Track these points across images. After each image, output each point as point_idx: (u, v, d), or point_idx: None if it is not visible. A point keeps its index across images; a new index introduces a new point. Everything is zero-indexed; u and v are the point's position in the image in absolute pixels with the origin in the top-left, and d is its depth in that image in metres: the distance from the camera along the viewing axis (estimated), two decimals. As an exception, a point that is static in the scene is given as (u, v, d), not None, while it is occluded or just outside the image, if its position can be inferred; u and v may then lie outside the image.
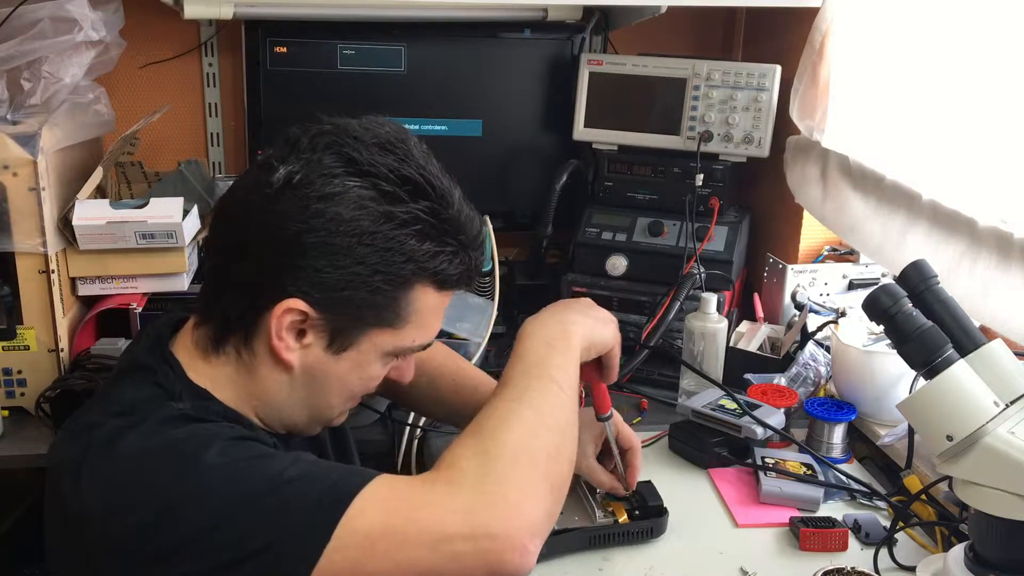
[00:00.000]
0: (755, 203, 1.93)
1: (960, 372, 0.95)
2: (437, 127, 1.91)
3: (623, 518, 1.17)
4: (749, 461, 1.34)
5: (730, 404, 1.39)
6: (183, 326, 0.98)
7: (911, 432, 1.28)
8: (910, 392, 1.25)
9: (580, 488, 1.23)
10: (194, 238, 1.61)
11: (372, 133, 0.89)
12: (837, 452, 1.39)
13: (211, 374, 0.92)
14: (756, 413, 1.36)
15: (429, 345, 0.98)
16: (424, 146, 0.92)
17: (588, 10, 1.88)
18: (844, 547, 1.16)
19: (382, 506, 0.79)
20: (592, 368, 1.08)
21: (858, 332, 1.45)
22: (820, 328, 1.56)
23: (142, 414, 0.85)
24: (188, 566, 0.77)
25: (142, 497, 0.79)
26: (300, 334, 0.90)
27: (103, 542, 0.80)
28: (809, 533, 1.16)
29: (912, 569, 1.09)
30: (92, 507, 0.81)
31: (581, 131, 1.86)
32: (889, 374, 1.37)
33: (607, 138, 1.85)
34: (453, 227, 0.91)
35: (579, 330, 0.99)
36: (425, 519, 0.79)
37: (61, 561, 0.88)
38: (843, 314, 1.56)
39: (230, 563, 0.77)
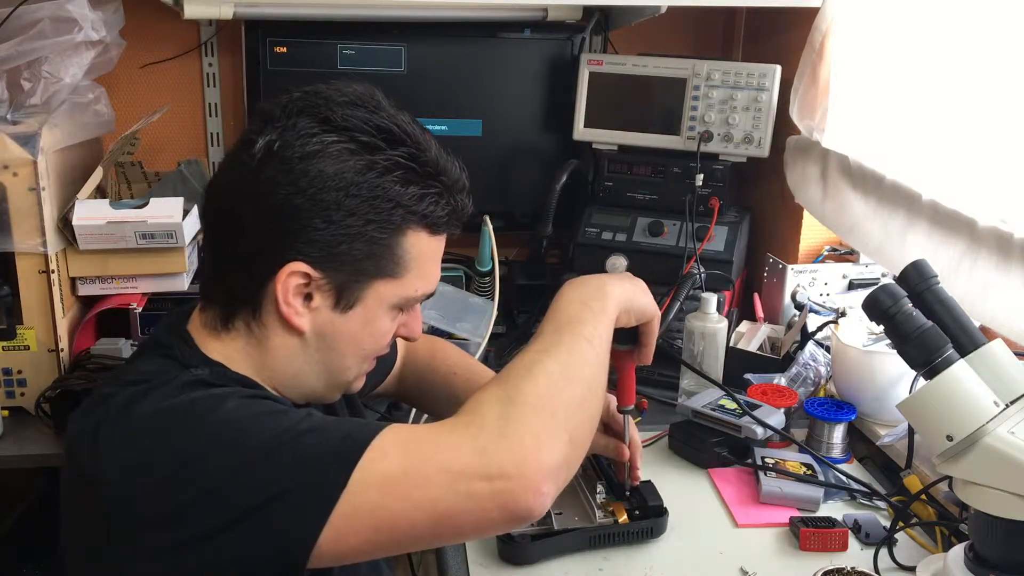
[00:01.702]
0: (755, 203, 1.93)
1: (960, 372, 0.95)
2: (437, 127, 1.91)
3: (623, 518, 1.17)
4: (749, 461, 1.34)
5: (730, 404, 1.39)
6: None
7: (911, 432, 1.28)
8: (910, 392, 1.25)
9: (580, 488, 1.23)
10: (194, 238, 1.61)
11: (341, 92, 0.92)
12: (837, 452, 1.39)
13: (224, 350, 0.94)
14: (756, 413, 1.36)
15: (432, 295, 0.99)
16: (393, 100, 0.95)
17: (588, 10, 1.88)
18: (844, 547, 1.16)
19: (403, 448, 0.81)
20: (626, 352, 1.08)
21: (858, 332, 1.45)
22: (820, 328, 1.56)
23: (156, 380, 0.86)
24: (206, 521, 0.78)
25: (158, 456, 0.80)
26: (307, 298, 0.91)
27: (119, 506, 0.81)
28: (809, 533, 1.16)
29: (912, 569, 1.09)
30: (109, 469, 0.81)
31: (581, 131, 1.86)
32: (889, 374, 1.37)
33: (607, 138, 1.85)
34: (434, 169, 0.93)
35: (617, 292, 0.99)
36: (444, 458, 0.80)
37: (77, 533, 0.88)
38: (843, 314, 1.56)
39: (247, 514, 0.78)
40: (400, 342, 1.33)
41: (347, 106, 0.90)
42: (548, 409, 0.84)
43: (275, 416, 0.83)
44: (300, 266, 0.89)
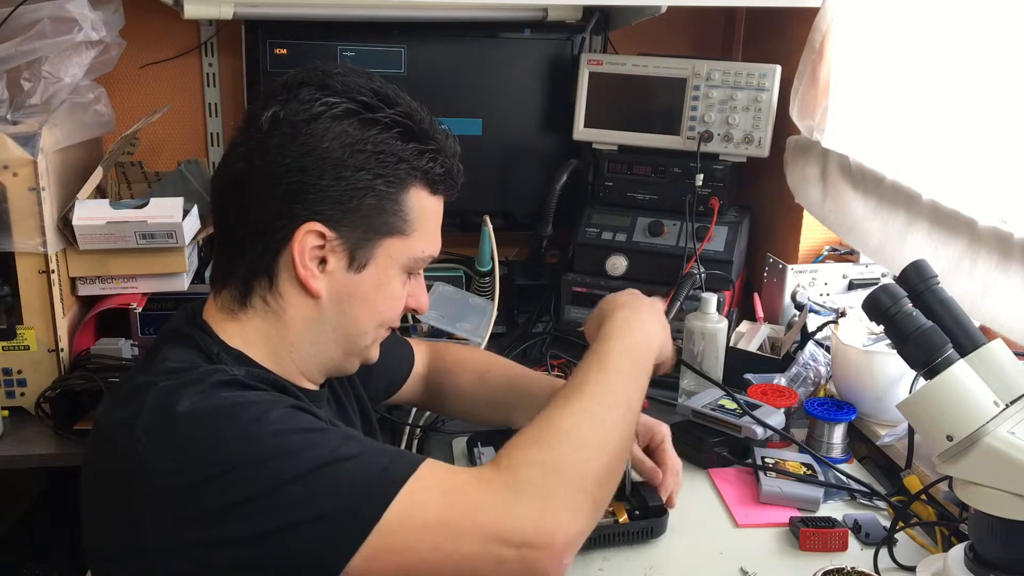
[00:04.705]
0: (755, 203, 1.94)
1: (960, 372, 0.95)
2: (437, 126, 1.91)
3: (623, 518, 1.17)
4: (749, 461, 1.34)
5: (730, 404, 1.39)
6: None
7: (911, 432, 1.28)
8: (910, 392, 1.25)
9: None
10: (194, 238, 1.62)
11: (335, 66, 0.98)
12: (837, 452, 1.39)
13: (242, 334, 0.96)
14: (756, 413, 1.36)
15: (435, 257, 1.03)
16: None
17: (588, 10, 1.88)
18: (844, 547, 1.16)
19: (442, 497, 0.83)
20: None
21: (858, 332, 1.45)
22: (820, 328, 1.56)
23: (191, 374, 0.87)
24: (233, 529, 0.79)
25: (199, 456, 0.81)
26: (322, 263, 0.94)
27: (154, 499, 0.81)
28: (809, 533, 1.16)
29: (912, 569, 1.09)
30: (147, 464, 0.82)
31: (581, 131, 1.86)
32: (889, 374, 1.37)
33: (607, 138, 1.85)
34: (429, 129, 0.98)
35: (655, 348, 1.06)
36: (481, 518, 0.83)
37: (103, 526, 0.88)
38: (843, 314, 1.56)
39: (277, 530, 0.79)
40: (422, 349, 1.37)
41: (343, 75, 0.95)
42: (582, 481, 0.87)
43: (317, 434, 0.85)
44: (315, 226, 0.91)
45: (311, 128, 0.91)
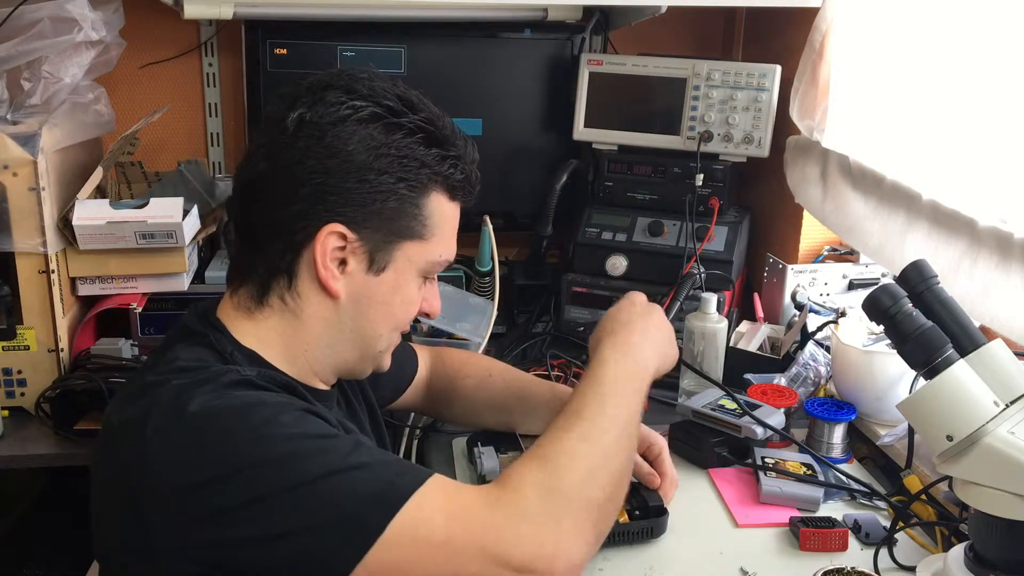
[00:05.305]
0: (755, 203, 1.93)
1: (960, 372, 0.95)
2: (437, 127, 1.91)
3: (623, 518, 1.17)
4: (749, 461, 1.34)
5: (730, 404, 1.39)
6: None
7: (911, 432, 1.28)
8: (910, 392, 1.25)
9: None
10: (194, 238, 1.62)
11: (359, 71, 0.98)
12: (837, 452, 1.39)
13: (257, 332, 0.96)
14: (756, 413, 1.36)
15: (451, 263, 1.04)
16: None
17: (588, 10, 1.88)
18: (844, 547, 1.16)
19: (446, 514, 0.83)
20: None
21: (858, 332, 1.45)
22: (820, 328, 1.56)
23: (203, 374, 0.88)
24: (240, 530, 0.80)
25: (209, 456, 0.81)
26: (342, 264, 0.95)
27: (162, 499, 0.81)
28: (809, 533, 1.16)
29: (912, 569, 1.09)
30: (154, 463, 0.82)
31: (581, 131, 1.86)
32: (889, 374, 1.37)
33: (607, 138, 1.85)
34: (451, 135, 0.99)
35: (652, 366, 1.06)
36: (485, 539, 0.83)
37: (109, 524, 0.88)
38: (843, 314, 1.56)
39: (283, 534, 0.80)
40: (424, 354, 1.37)
41: (369, 79, 0.96)
42: (585, 505, 0.88)
43: (328, 440, 0.85)
44: (337, 227, 0.93)
45: (337, 131, 0.92)
